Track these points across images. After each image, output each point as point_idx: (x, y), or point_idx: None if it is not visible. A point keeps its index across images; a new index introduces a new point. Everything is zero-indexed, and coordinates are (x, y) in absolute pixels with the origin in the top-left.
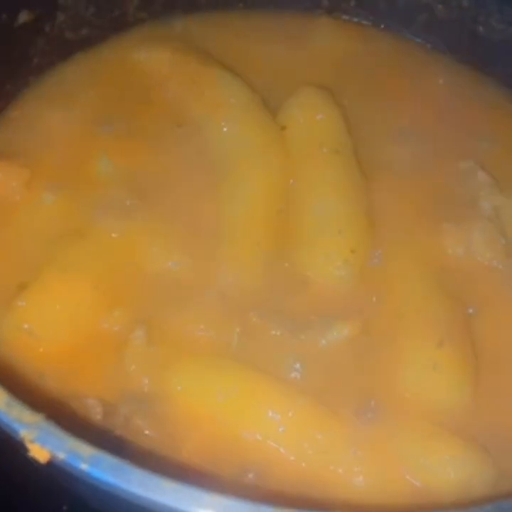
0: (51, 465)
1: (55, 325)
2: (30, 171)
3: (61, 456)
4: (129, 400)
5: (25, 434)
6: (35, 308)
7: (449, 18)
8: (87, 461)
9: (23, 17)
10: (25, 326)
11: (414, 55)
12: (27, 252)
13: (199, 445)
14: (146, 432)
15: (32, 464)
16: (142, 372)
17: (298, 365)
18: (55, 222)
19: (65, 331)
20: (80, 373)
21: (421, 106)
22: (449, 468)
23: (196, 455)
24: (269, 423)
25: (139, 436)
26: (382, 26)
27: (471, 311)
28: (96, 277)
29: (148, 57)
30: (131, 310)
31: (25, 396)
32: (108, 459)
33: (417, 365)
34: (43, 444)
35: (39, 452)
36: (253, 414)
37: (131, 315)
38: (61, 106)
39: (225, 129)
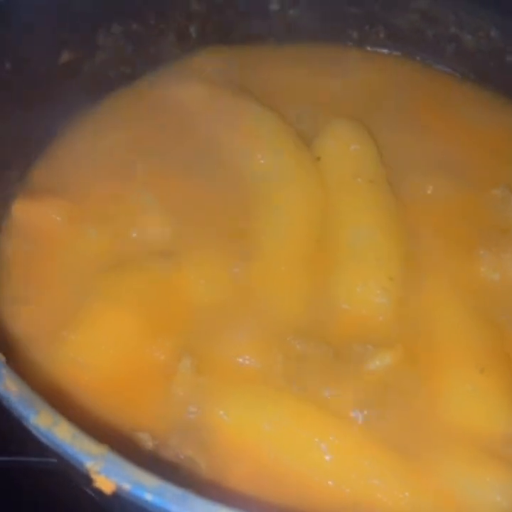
0: (116, 496)
1: (104, 356)
2: (73, 204)
3: (126, 486)
4: (177, 430)
5: (91, 465)
6: (83, 341)
7: (477, 48)
8: (151, 491)
9: (64, 57)
10: (75, 358)
11: (445, 85)
12: (72, 285)
13: (247, 473)
14: (195, 461)
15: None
16: (190, 401)
17: (341, 394)
18: (98, 254)
19: (114, 362)
20: (129, 404)
21: (452, 135)
22: (495, 493)
23: (244, 483)
24: (315, 451)
25: (188, 466)
26: (412, 57)
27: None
28: (141, 308)
29: (184, 92)
30: (177, 339)
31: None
32: (173, 490)
33: (458, 392)
34: (108, 475)
35: (104, 483)
36: (299, 443)
37: (177, 344)
38: (101, 141)
39: (261, 161)
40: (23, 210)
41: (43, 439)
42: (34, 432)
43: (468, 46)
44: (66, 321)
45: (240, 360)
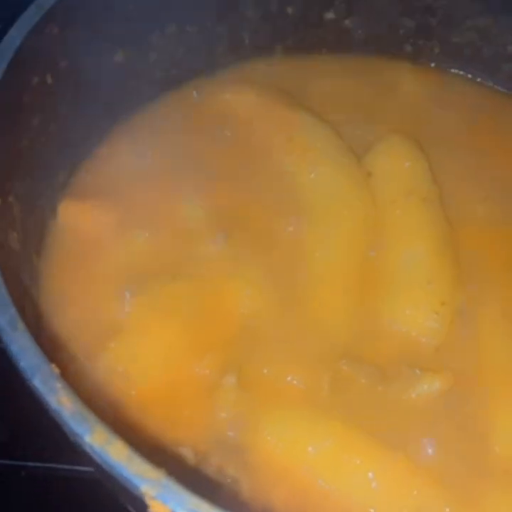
0: None
1: (148, 367)
2: (122, 208)
3: None
4: (220, 448)
5: (146, 489)
6: (128, 351)
7: None
8: None
9: (118, 57)
10: (119, 368)
11: (499, 105)
12: (118, 289)
13: (289, 496)
14: (238, 480)
15: None
16: (233, 419)
17: (387, 419)
18: (146, 260)
19: (158, 374)
20: (172, 418)
21: (505, 157)
22: None
23: (286, 505)
24: (360, 478)
25: (230, 484)
26: (466, 74)
27: None
28: (187, 319)
29: (235, 100)
30: (222, 354)
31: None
32: None
33: (509, 424)
34: (164, 501)
35: (160, 509)
36: (344, 468)
37: (222, 359)
38: (149, 144)
39: (312, 175)
40: (69, 212)
41: (97, 458)
42: (88, 450)
43: None
44: (110, 328)
45: (286, 379)
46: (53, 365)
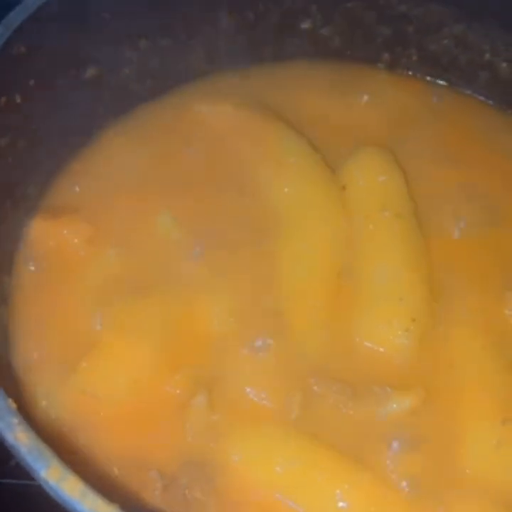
0: None
1: (117, 388)
2: (92, 225)
3: None
4: (188, 469)
5: None
6: (97, 371)
7: None
8: None
9: (90, 72)
10: (88, 388)
11: (476, 113)
12: (89, 309)
13: None
14: (205, 503)
15: None
16: (202, 439)
17: (357, 437)
18: (118, 278)
19: (127, 394)
20: (140, 439)
21: (483, 166)
22: None
23: None
24: (329, 497)
25: (197, 507)
26: (444, 83)
27: None
28: (158, 339)
29: (210, 111)
30: (192, 373)
31: (85, 467)
32: None
33: (479, 443)
34: None
35: None
36: (311, 487)
37: (192, 378)
38: (122, 158)
39: (286, 189)
40: (40, 230)
41: (52, 493)
42: (43, 485)
43: (503, 74)
44: (79, 349)
45: (256, 398)
46: (10, 400)
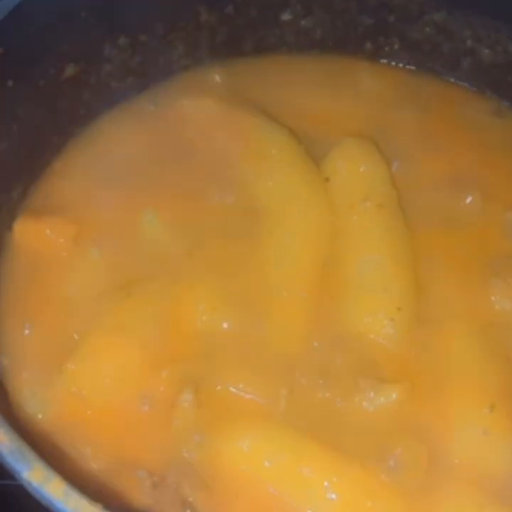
0: None
1: (104, 387)
2: (76, 225)
3: None
4: (177, 466)
5: None
6: (83, 371)
7: (494, 63)
8: None
9: (70, 70)
10: (74, 388)
11: (459, 100)
12: (74, 309)
13: (246, 511)
14: (194, 500)
15: None
16: (190, 436)
17: (345, 429)
18: (101, 278)
19: (113, 393)
20: (128, 438)
21: (466, 153)
22: None
23: None
24: (317, 490)
25: (187, 505)
26: (426, 70)
27: None
28: (143, 337)
29: (192, 105)
30: (179, 371)
31: (72, 467)
32: None
33: (466, 430)
34: None
35: None
36: (299, 479)
37: (179, 376)
38: (105, 157)
39: (269, 183)
40: (24, 231)
41: (35, 494)
42: (26, 486)
43: (485, 60)
44: (66, 350)
45: (243, 393)
46: None
